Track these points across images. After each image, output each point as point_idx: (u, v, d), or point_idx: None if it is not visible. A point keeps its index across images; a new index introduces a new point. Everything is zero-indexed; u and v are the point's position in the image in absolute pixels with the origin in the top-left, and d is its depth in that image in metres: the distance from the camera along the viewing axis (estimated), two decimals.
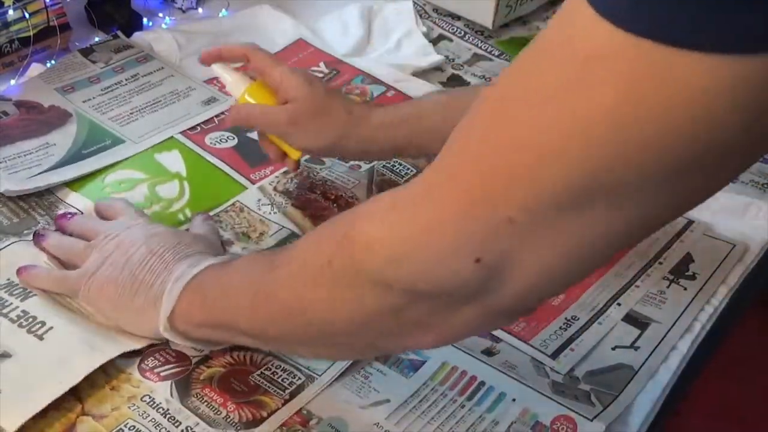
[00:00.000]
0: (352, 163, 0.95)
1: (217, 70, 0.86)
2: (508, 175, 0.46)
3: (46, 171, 0.90)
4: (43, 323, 0.73)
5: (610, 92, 0.41)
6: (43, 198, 0.87)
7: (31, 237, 0.81)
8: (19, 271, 0.76)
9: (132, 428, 0.67)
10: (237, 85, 0.85)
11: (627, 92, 0.41)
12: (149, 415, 0.68)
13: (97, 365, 0.70)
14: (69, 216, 0.82)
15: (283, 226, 0.87)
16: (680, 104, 0.40)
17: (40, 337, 0.72)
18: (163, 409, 0.68)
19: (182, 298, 0.69)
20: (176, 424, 0.67)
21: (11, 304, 0.74)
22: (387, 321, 0.55)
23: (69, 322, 0.73)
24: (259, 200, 0.90)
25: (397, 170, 0.95)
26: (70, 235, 0.80)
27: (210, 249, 0.76)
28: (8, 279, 0.77)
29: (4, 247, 0.80)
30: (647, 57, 0.40)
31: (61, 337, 0.72)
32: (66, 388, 0.68)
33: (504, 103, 0.47)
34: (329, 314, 0.58)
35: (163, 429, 0.67)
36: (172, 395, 0.70)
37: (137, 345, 0.73)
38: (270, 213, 0.88)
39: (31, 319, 0.73)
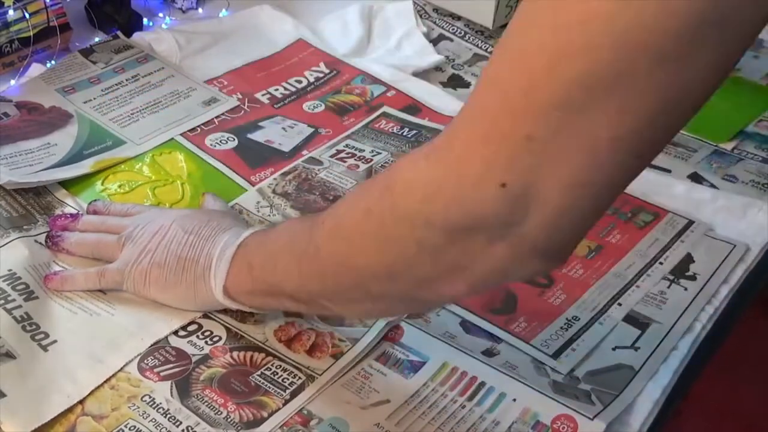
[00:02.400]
0: (350, 162, 0.95)
1: None
2: (519, 89, 0.48)
3: (47, 168, 0.90)
4: (46, 334, 0.73)
5: None
6: (40, 197, 0.87)
7: (31, 234, 0.81)
8: (47, 279, 0.77)
9: (132, 428, 0.67)
10: None
11: None
12: (149, 415, 0.68)
13: (102, 379, 0.70)
14: (71, 216, 0.83)
15: None
16: None
17: (45, 348, 0.72)
18: (164, 409, 0.68)
19: (231, 268, 0.71)
20: (177, 424, 0.67)
21: (14, 300, 0.75)
22: (425, 263, 0.57)
23: (72, 333, 0.74)
24: (258, 202, 0.90)
25: None
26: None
27: (238, 221, 0.79)
28: (9, 270, 0.77)
29: (6, 243, 0.80)
30: None
31: (65, 350, 0.72)
32: (72, 402, 0.68)
33: (509, 32, 0.50)
34: (372, 261, 0.60)
35: (164, 429, 0.67)
36: (172, 395, 0.70)
37: (141, 350, 0.73)
38: (269, 215, 0.88)
39: (34, 326, 0.74)
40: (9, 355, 0.70)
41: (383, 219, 0.57)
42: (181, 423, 0.68)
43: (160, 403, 0.69)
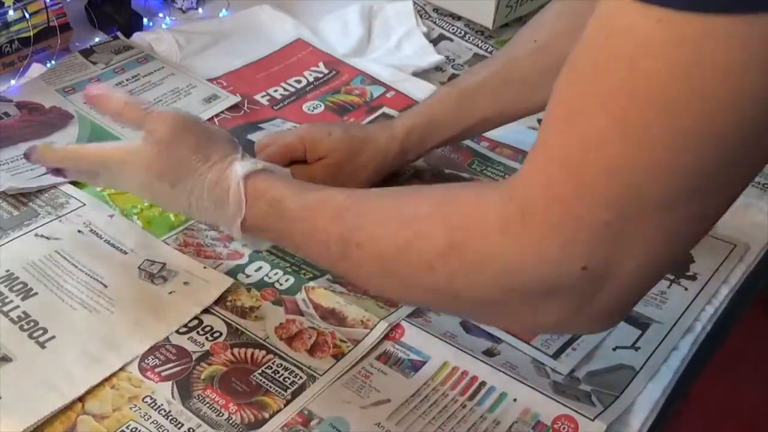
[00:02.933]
0: None
1: None
2: (595, 175, 0.48)
3: (47, 173, 0.90)
4: (45, 330, 0.73)
5: (673, 80, 0.44)
6: (44, 191, 0.88)
7: (32, 228, 0.82)
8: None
9: (134, 430, 0.67)
10: None
11: (688, 77, 0.43)
12: (151, 417, 0.68)
13: (99, 379, 0.70)
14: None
15: None
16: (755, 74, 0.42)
17: (42, 345, 0.72)
18: (165, 411, 0.68)
19: (253, 204, 0.68)
20: (178, 426, 0.67)
21: (12, 302, 0.75)
22: (490, 314, 0.58)
23: (71, 329, 0.74)
24: None
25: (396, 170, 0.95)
26: None
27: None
28: (7, 270, 0.78)
29: (5, 243, 0.80)
30: (698, 32, 0.42)
31: (63, 347, 0.72)
32: (68, 400, 0.68)
33: (573, 112, 0.49)
34: (428, 300, 0.61)
35: (165, 430, 0.67)
36: (173, 396, 0.70)
37: (139, 352, 0.73)
38: None
39: (32, 323, 0.73)
40: (5, 359, 0.70)
41: (452, 279, 0.56)
42: (182, 425, 0.68)
43: (162, 405, 0.69)
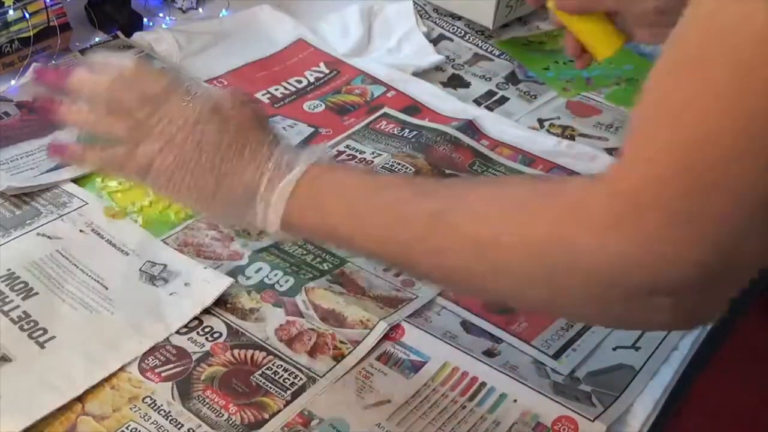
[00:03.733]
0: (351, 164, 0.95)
1: None
2: (710, 170, 0.47)
3: (49, 171, 0.90)
4: (45, 330, 0.73)
5: None
6: (45, 190, 0.88)
7: (34, 226, 0.82)
8: (50, 148, 0.71)
9: (134, 430, 0.67)
10: None
11: None
12: (151, 417, 0.68)
13: (98, 379, 0.70)
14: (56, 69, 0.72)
15: None
16: None
17: (42, 345, 0.72)
18: (165, 411, 0.68)
19: (293, 201, 0.63)
20: (178, 427, 0.67)
21: (12, 301, 0.75)
22: (591, 308, 0.56)
23: (70, 329, 0.74)
24: None
25: (396, 169, 0.95)
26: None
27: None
28: (8, 269, 0.78)
29: (6, 242, 0.80)
30: None
31: (63, 347, 0.72)
32: (66, 400, 0.68)
33: (680, 105, 0.49)
34: (534, 297, 0.58)
35: (165, 431, 0.67)
36: (173, 397, 0.70)
37: (139, 353, 0.73)
38: None
39: (32, 323, 0.73)
40: (5, 359, 0.70)
41: (556, 269, 0.54)
42: (182, 426, 0.68)
43: (161, 405, 0.69)
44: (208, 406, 0.69)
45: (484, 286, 0.59)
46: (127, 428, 0.67)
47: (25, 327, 0.73)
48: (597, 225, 0.52)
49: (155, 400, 0.69)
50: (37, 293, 0.76)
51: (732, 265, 0.49)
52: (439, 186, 0.62)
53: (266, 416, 0.69)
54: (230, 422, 0.68)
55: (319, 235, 0.68)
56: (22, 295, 0.76)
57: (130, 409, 0.68)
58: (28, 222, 0.83)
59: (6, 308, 0.74)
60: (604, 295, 0.53)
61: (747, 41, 0.45)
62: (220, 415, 0.68)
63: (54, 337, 0.73)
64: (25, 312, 0.74)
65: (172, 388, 0.70)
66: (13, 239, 0.81)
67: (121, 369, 0.71)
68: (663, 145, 0.49)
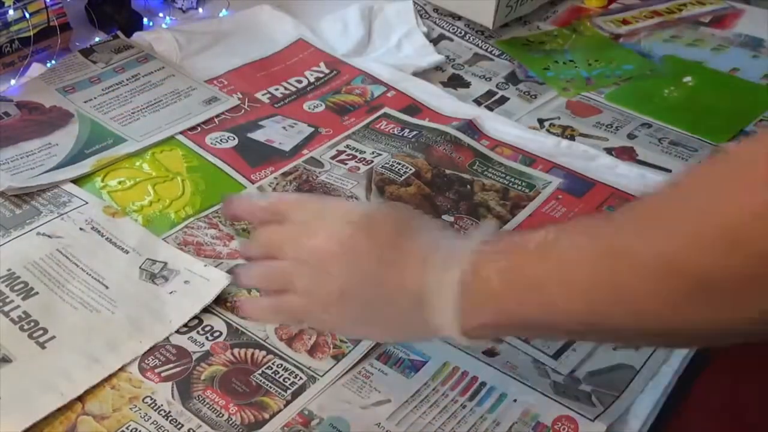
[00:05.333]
0: (351, 165, 0.95)
1: None
2: None
3: (49, 171, 0.90)
4: (45, 330, 0.73)
5: None
6: (46, 190, 0.88)
7: (34, 226, 0.82)
8: (240, 308, 0.73)
9: (134, 430, 0.67)
10: None
11: None
12: (151, 417, 0.68)
13: (98, 379, 0.70)
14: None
15: None
16: None
17: (42, 345, 0.72)
18: (165, 411, 0.68)
19: (463, 301, 0.57)
20: (178, 427, 0.67)
21: (12, 301, 0.75)
22: None
23: (71, 330, 0.74)
24: None
25: (396, 169, 0.95)
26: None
27: (422, 216, 0.64)
28: (9, 269, 0.77)
29: (7, 242, 0.80)
30: None
31: (63, 348, 0.72)
32: (66, 400, 0.68)
33: None
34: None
35: (165, 431, 0.67)
36: (173, 397, 0.70)
37: (139, 352, 0.73)
38: None
39: (33, 324, 0.73)
40: (5, 360, 0.70)
41: (737, 284, 0.47)
42: (182, 426, 0.68)
43: (162, 405, 0.69)
44: (208, 406, 0.69)
45: (672, 315, 0.50)
46: (127, 428, 0.67)
47: (26, 327, 0.73)
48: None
49: (155, 400, 0.69)
50: (37, 293, 0.76)
51: None
52: (603, 216, 0.57)
53: (266, 416, 0.69)
54: (230, 422, 0.68)
55: (507, 328, 0.61)
56: (23, 295, 0.76)
57: (130, 409, 0.68)
58: (28, 222, 0.83)
59: (6, 308, 0.74)
60: None
61: None
62: (220, 415, 0.68)
63: (54, 337, 0.73)
64: (25, 312, 0.74)
65: (172, 388, 0.70)
66: (14, 239, 0.81)
67: (121, 369, 0.71)
68: None
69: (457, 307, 0.56)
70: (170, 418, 0.68)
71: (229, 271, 0.79)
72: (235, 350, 0.74)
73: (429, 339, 0.64)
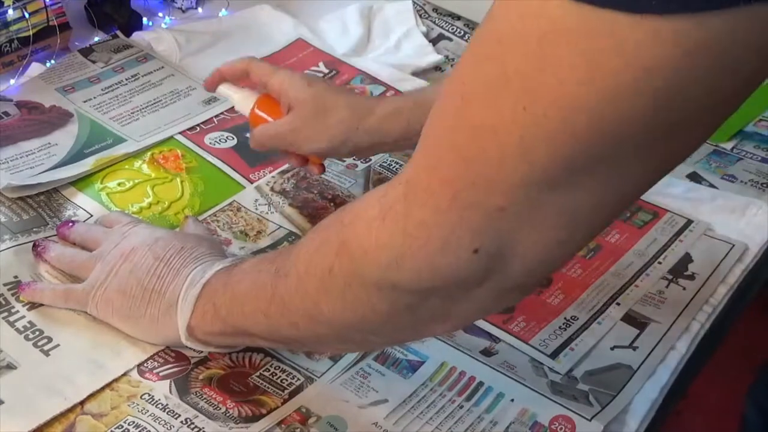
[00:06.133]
0: (348, 162, 0.95)
1: (223, 91, 0.86)
2: (487, 163, 0.46)
3: (48, 170, 0.90)
4: (50, 339, 0.73)
5: (572, 70, 0.41)
6: (51, 199, 0.87)
7: (40, 237, 0.81)
8: (20, 288, 0.76)
9: (131, 424, 0.67)
10: (245, 102, 0.85)
11: (589, 68, 0.41)
12: (148, 411, 0.68)
13: (102, 384, 0.70)
14: (70, 224, 0.81)
15: (281, 226, 0.87)
16: (641, 74, 0.40)
17: (46, 353, 0.72)
18: (162, 405, 0.68)
19: (196, 308, 0.69)
20: (175, 417, 0.67)
21: (17, 312, 0.74)
22: (402, 318, 0.56)
23: (75, 338, 0.73)
24: (257, 200, 0.90)
25: (394, 169, 0.95)
26: (72, 243, 0.79)
27: (214, 249, 0.75)
28: (15, 276, 0.77)
29: (8, 248, 0.80)
30: (604, 27, 0.39)
31: (67, 355, 0.72)
32: (70, 404, 0.68)
33: (468, 94, 0.47)
34: (343, 317, 0.58)
35: (163, 422, 0.67)
36: (171, 392, 0.70)
37: (142, 358, 0.72)
38: (268, 213, 0.89)
39: (37, 332, 0.73)
40: (10, 367, 0.70)
41: (347, 281, 0.56)
42: (179, 416, 0.68)
43: (159, 400, 0.69)
44: (205, 400, 0.69)
45: (318, 320, 0.60)
46: (125, 422, 0.67)
47: (30, 336, 0.73)
48: (372, 218, 0.53)
49: (153, 396, 0.69)
50: (41, 304, 0.76)
51: (511, 252, 0.49)
52: (281, 250, 0.67)
53: (263, 411, 0.69)
54: (228, 415, 0.68)
55: (226, 335, 0.70)
56: (28, 305, 0.75)
57: (128, 405, 0.68)
58: (35, 230, 0.83)
59: (12, 318, 0.74)
60: (401, 301, 0.54)
61: (540, 31, 0.43)
62: (218, 408, 0.69)
63: (58, 345, 0.73)
64: (30, 322, 0.74)
65: (170, 384, 0.70)
66: (20, 245, 0.80)
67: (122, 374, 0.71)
68: (443, 133, 0.49)
69: (188, 315, 0.69)
70: (167, 409, 0.68)
71: (34, 244, 0.79)
72: (233, 355, 0.73)
73: (177, 344, 0.72)
